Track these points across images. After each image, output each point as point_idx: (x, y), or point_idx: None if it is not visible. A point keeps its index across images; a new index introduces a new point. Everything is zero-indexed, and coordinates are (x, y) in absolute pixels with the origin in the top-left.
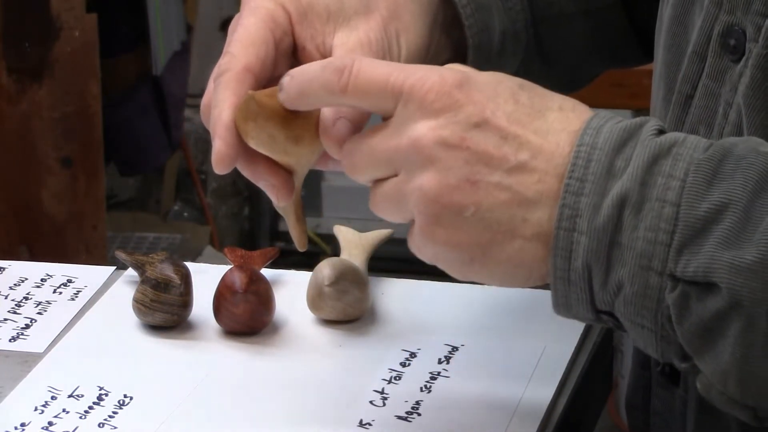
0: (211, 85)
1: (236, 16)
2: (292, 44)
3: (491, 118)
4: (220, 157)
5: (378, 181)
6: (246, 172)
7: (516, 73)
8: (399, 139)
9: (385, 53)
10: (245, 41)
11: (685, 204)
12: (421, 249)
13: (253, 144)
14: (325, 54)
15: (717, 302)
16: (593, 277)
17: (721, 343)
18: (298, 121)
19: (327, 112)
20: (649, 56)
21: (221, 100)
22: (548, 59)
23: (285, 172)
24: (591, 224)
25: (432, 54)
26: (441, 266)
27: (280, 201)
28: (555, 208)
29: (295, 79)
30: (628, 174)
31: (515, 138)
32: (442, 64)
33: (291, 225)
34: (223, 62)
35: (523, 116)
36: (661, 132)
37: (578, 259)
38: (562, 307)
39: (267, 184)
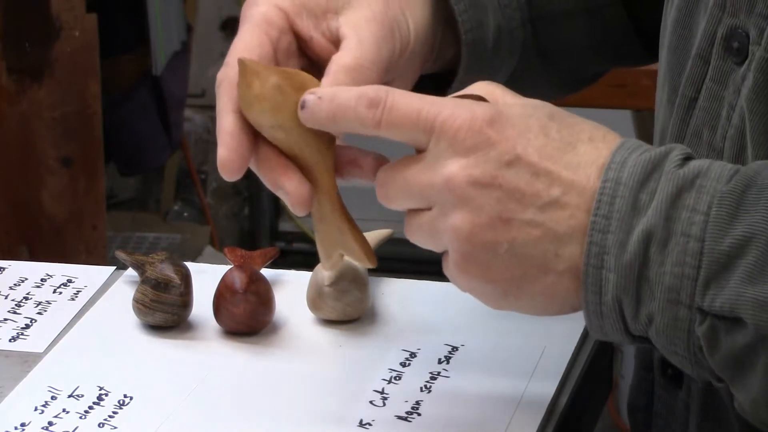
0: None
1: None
2: (295, 41)
3: (522, 154)
4: (223, 163)
5: (412, 211)
6: (263, 178)
7: (515, 71)
8: (432, 175)
9: (393, 25)
10: (239, 49)
11: (709, 239)
12: (455, 280)
13: (266, 108)
14: (332, 39)
15: (744, 337)
16: (624, 310)
17: (751, 375)
18: (293, 72)
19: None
20: (653, 56)
21: (220, 109)
22: (548, 57)
23: (299, 175)
24: (618, 261)
25: (437, 48)
26: (476, 297)
27: (299, 209)
28: (585, 243)
29: (324, 102)
30: (652, 209)
31: (547, 174)
32: (449, 60)
33: (351, 245)
34: (219, 73)
35: (554, 151)
36: (686, 159)
37: (608, 294)
38: (598, 333)
39: (283, 192)
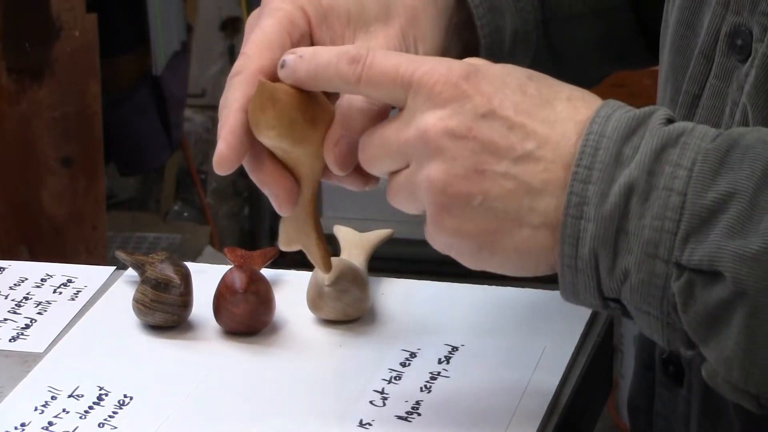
0: (228, 84)
1: (254, 14)
2: (310, 46)
3: (498, 108)
4: (220, 159)
5: (393, 174)
6: (254, 177)
7: None
8: (408, 130)
9: None
10: (261, 44)
11: (692, 193)
12: (433, 238)
13: (272, 135)
14: None
15: (722, 291)
16: (600, 264)
17: (726, 332)
18: (310, 101)
19: (333, 132)
20: (655, 57)
21: (231, 101)
22: (557, 59)
23: (290, 181)
24: (598, 212)
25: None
26: (453, 255)
27: (283, 210)
28: (561, 197)
29: (305, 60)
30: (635, 162)
31: (522, 128)
32: None
33: (313, 251)
34: (237, 63)
35: (530, 107)
36: (670, 121)
37: (585, 247)
38: (570, 294)
39: (270, 193)
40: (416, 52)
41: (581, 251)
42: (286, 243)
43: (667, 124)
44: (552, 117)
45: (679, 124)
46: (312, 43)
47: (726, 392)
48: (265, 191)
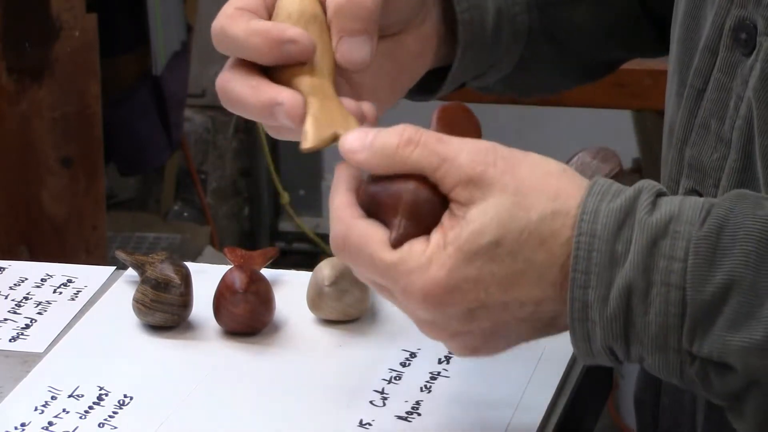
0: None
1: None
2: None
3: (486, 300)
4: (304, 46)
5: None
6: (258, 99)
7: (523, 60)
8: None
9: None
10: (237, 2)
11: (690, 287)
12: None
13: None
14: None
15: (735, 380)
16: (616, 352)
17: (744, 413)
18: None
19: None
20: (668, 48)
21: (240, 31)
22: (556, 43)
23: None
24: (602, 315)
25: (436, 46)
26: None
27: (294, 119)
28: (567, 300)
29: None
30: (629, 262)
31: (515, 300)
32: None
33: (352, 124)
34: (216, 22)
35: (513, 276)
36: (657, 197)
37: (597, 342)
38: (589, 363)
39: (278, 107)
40: None
41: (594, 346)
42: (317, 134)
43: (654, 207)
44: (536, 275)
45: (666, 209)
46: None
47: None
48: (274, 110)
